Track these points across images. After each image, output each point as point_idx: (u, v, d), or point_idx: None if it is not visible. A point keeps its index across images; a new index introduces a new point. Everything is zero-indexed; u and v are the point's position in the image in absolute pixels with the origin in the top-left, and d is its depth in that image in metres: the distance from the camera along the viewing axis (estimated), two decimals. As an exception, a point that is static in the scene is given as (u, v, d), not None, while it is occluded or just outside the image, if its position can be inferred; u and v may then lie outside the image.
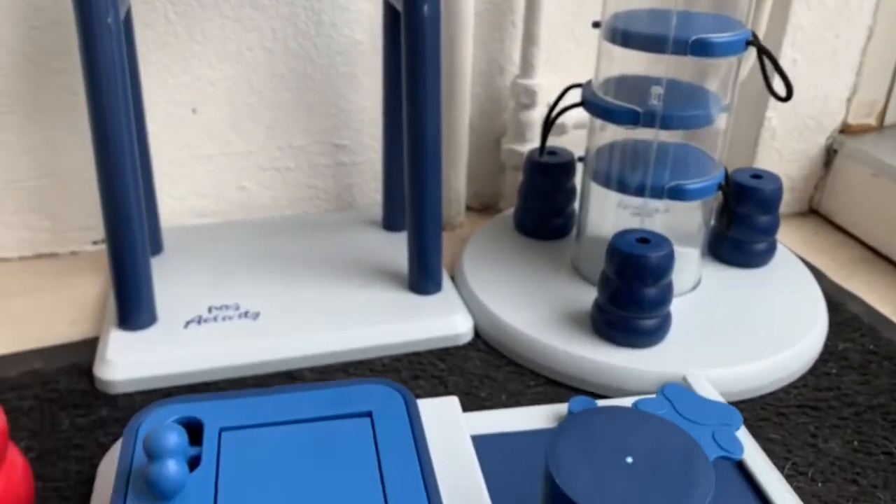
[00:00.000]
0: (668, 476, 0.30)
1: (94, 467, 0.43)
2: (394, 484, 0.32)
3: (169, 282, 0.56)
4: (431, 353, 0.53)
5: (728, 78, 0.52)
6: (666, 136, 0.53)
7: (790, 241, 0.69)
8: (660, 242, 0.49)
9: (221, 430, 0.34)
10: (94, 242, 0.65)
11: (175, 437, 0.31)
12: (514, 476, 0.40)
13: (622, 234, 0.50)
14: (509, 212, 0.66)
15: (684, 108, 0.51)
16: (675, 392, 0.43)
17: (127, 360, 0.49)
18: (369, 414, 0.36)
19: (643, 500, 0.28)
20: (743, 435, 0.43)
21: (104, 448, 0.44)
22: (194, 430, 0.35)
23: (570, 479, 0.29)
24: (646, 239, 0.49)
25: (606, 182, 0.54)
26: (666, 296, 0.49)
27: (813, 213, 0.74)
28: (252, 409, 0.36)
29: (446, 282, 0.57)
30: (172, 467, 0.30)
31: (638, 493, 0.29)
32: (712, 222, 0.60)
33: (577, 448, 0.31)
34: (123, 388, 0.48)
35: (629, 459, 0.30)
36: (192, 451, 0.33)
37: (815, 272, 0.62)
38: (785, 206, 0.73)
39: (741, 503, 0.39)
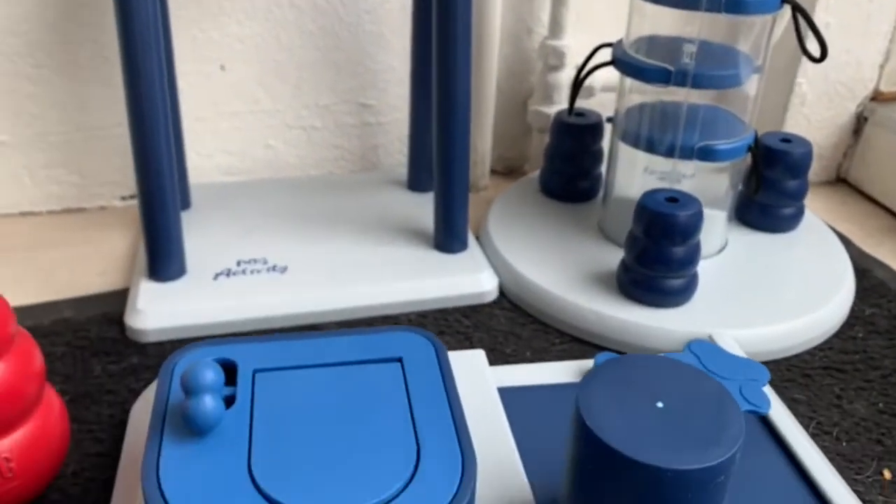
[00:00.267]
0: (699, 421, 0.30)
1: (126, 411, 0.43)
2: (425, 426, 0.32)
3: (197, 236, 0.56)
4: (457, 310, 0.53)
5: (761, 38, 0.52)
6: (696, 97, 0.53)
7: (817, 209, 0.68)
8: (688, 202, 0.49)
9: (255, 371, 0.35)
10: (122, 198, 0.65)
11: (212, 374, 0.31)
12: (540, 427, 0.40)
13: (651, 193, 0.49)
14: (535, 174, 0.66)
15: (716, 68, 0.50)
16: (702, 348, 0.43)
17: (157, 310, 0.49)
18: (399, 360, 0.36)
19: (675, 443, 0.29)
20: (769, 392, 0.43)
21: (136, 393, 0.45)
22: (228, 372, 0.35)
23: (600, 421, 0.29)
24: (674, 198, 0.49)
25: (635, 142, 0.54)
26: (693, 256, 0.49)
27: (841, 181, 0.74)
28: (284, 353, 0.36)
29: (471, 241, 0.58)
30: (209, 402, 0.31)
31: (669, 437, 0.29)
32: (739, 187, 0.60)
33: (608, 392, 0.31)
34: (154, 337, 0.49)
35: (660, 404, 0.30)
36: (227, 390, 0.34)
37: (843, 239, 0.61)
38: (812, 175, 0.72)
39: (766, 458, 0.39)
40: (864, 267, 0.59)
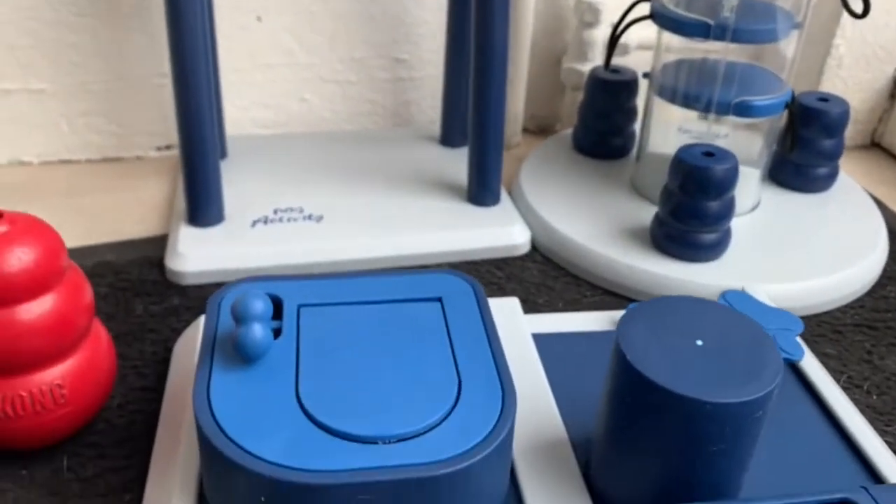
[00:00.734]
0: (738, 358, 0.30)
1: (169, 349, 0.45)
2: (465, 360, 0.33)
3: (234, 185, 0.57)
4: (489, 262, 0.54)
5: (802, -6, 0.51)
6: (734, 54, 0.52)
7: (851, 172, 0.68)
8: (725, 156, 0.49)
9: (300, 306, 0.36)
10: (158, 148, 0.66)
11: (261, 304, 0.32)
12: (574, 372, 0.41)
13: (687, 148, 0.50)
14: (567, 132, 0.66)
15: (756, 23, 0.50)
16: (736, 297, 0.43)
17: (197, 254, 0.50)
18: (440, 299, 0.37)
19: (714, 379, 0.29)
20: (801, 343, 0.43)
21: (177, 332, 0.46)
22: (274, 307, 0.36)
23: (641, 357, 0.30)
24: (711, 153, 0.49)
25: (672, 97, 0.54)
26: (728, 210, 0.49)
27: (875, 146, 0.73)
28: (328, 290, 0.37)
29: (504, 195, 0.58)
30: (259, 330, 0.32)
31: (709, 372, 0.29)
32: (774, 148, 0.59)
33: (648, 330, 0.31)
34: (193, 280, 0.50)
35: (699, 342, 0.31)
36: (273, 324, 0.35)
37: (877, 202, 0.61)
38: (847, 139, 0.72)
39: (797, 405, 0.39)
40: (897, 229, 0.59)
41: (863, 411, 0.42)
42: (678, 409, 0.29)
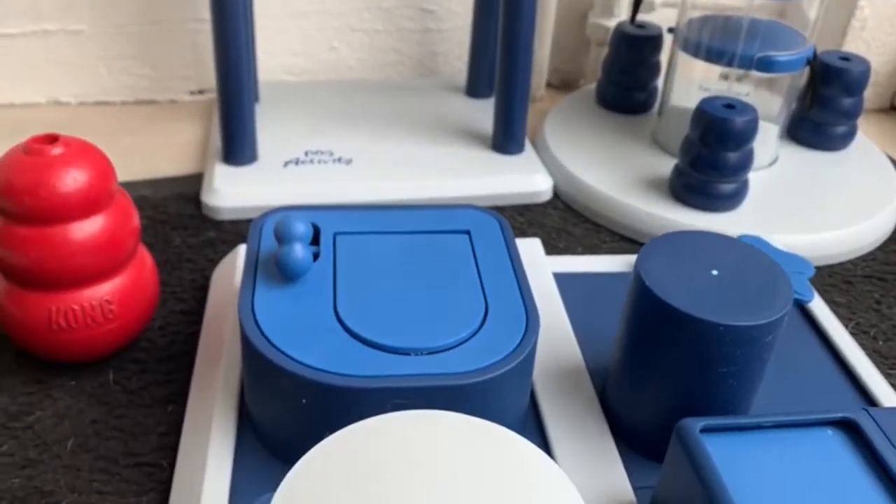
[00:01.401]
0: (751, 287, 0.32)
1: (206, 278, 0.47)
2: (491, 286, 0.35)
3: (266, 128, 0.59)
4: (512, 208, 0.56)
5: (829, -49, 0.52)
6: (759, 12, 0.53)
7: (870, 133, 0.69)
8: (745, 108, 0.50)
9: (336, 233, 0.38)
10: (191, 92, 0.68)
11: (302, 226, 0.34)
12: (592, 308, 0.43)
13: (709, 100, 0.51)
14: (591, 86, 0.67)
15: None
16: (752, 241, 0.45)
17: (232, 191, 0.52)
18: (468, 232, 0.39)
19: (728, 304, 0.31)
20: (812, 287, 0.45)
21: (214, 262, 0.48)
22: (312, 235, 0.38)
23: (660, 283, 0.32)
24: (732, 105, 0.50)
25: (696, 52, 0.55)
26: (746, 162, 0.51)
27: (894, 110, 0.74)
28: (362, 220, 0.39)
29: (527, 145, 0.59)
30: (300, 250, 0.34)
31: (723, 298, 0.31)
32: (793, 106, 0.61)
33: (666, 259, 0.33)
34: (228, 216, 0.52)
35: (714, 272, 0.33)
36: (311, 249, 0.37)
37: (893, 162, 0.62)
38: (867, 102, 0.73)
39: (805, 345, 0.41)
40: (911, 189, 0.60)
41: (869, 355, 0.44)
42: (692, 332, 0.31)
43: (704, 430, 0.29)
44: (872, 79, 0.71)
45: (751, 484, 0.28)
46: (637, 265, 0.33)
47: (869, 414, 0.31)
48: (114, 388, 0.39)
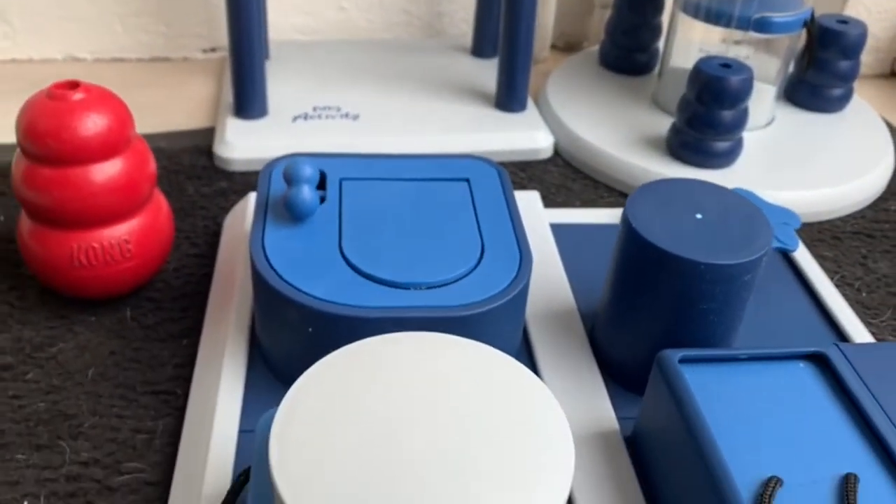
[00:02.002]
0: (733, 230, 0.34)
1: (218, 224, 0.49)
2: (488, 229, 0.37)
3: (276, 84, 0.61)
4: (514, 164, 0.57)
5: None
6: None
7: (868, 98, 0.70)
8: (740, 68, 0.52)
9: (342, 179, 0.40)
10: (204, 51, 0.70)
11: (309, 169, 0.36)
12: (586, 256, 0.44)
13: (706, 59, 0.52)
14: (594, 48, 0.69)
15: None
16: (742, 193, 0.47)
17: (243, 143, 0.54)
18: (467, 180, 0.41)
19: (710, 245, 0.33)
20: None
21: (226, 210, 0.50)
22: (319, 180, 0.40)
23: (646, 226, 0.34)
24: (728, 65, 0.52)
25: (695, 13, 0.56)
26: (741, 120, 0.52)
27: (894, 75, 0.75)
28: (367, 167, 0.41)
29: (530, 103, 0.61)
30: (308, 191, 0.36)
31: (705, 240, 0.33)
32: (790, 70, 0.62)
33: (653, 204, 0.35)
34: (239, 167, 0.54)
35: (699, 216, 0.35)
36: (319, 193, 0.39)
37: (889, 126, 0.63)
38: (866, 67, 0.74)
39: (788, 291, 0.43)
40: (905, 151, 0.61)
41: (852, 306, 0.46)
42: (675, 270, 0.33)
43: (683, 361, 0.31)
44: (873, 44, 0.72)
45: (725, 411, 0.30)
46: (626, 209, 0.35)
47: (839, 348, 0.33)
48: (131, 323, 0.42)
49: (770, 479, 0.27)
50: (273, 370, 0.36)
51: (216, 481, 0.31)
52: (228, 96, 0.58)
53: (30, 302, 0.42)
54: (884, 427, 0.29)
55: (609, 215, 0.49)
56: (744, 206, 0.35)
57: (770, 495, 0.27)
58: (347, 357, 0.26)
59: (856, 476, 0.28)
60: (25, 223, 0.41)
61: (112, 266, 0.40)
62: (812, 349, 0.32)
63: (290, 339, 0.34)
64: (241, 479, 0.27)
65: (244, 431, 0.33)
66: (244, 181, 0.53)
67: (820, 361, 0.32)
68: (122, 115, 0.40)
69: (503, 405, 0.24)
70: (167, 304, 0.43)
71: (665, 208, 0.35)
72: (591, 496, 0.32)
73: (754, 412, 0.30)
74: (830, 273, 0.48)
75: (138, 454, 0.35)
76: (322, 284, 0.33)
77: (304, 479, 0.22)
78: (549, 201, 0.54)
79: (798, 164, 0.55)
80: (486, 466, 0.22)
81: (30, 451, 0.35)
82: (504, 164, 0.57)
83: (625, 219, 0.35)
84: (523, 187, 0.55)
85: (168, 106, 0.62)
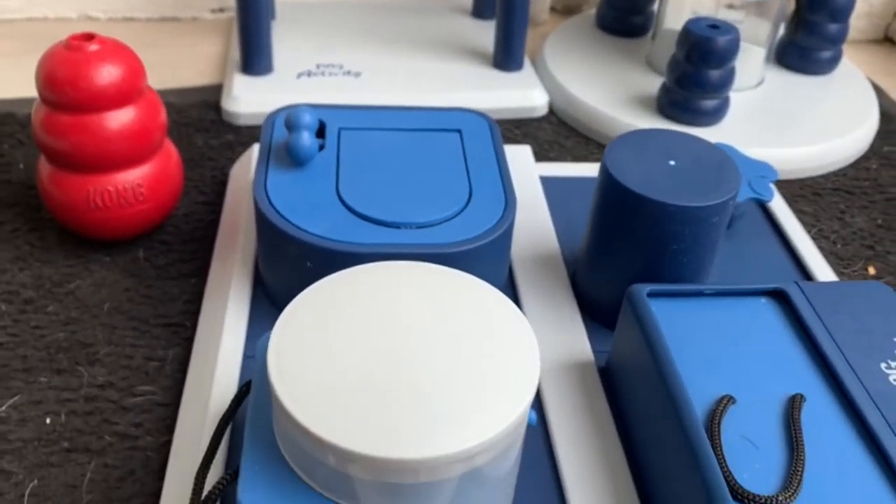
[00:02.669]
0: (703, 176, 0.36)
1: (225, 174, 0.52)
2: (477, 175, 0.40)
3: (282, 43, 0.63)
4: (509, 121, 0.60)
5: None
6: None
7: (860, 62, 0.71)
8: (728, 29, 0.53)
9: (340, 129, 0.42)
10: (213, 11, 0.72)
11: (309, 117, 0.39)
12: (572, 206, 0.47)
13: (695, 20, 0.54)
14: (592, 11, 0.70)
15: None
16: (723, 147, 0.49)
17: (250, 98, 0.57)
18: (459, 131, 0.43)
19: (680, 189, 0.35)
20: (776, 194, 0.49)
21: (232, 161, 0.53)
22: (318, 129, 0.42)
23: (621, 170, 0.36)
24: (715, 26, 0.54)
25: (687, -25, 0.58)
26: (728, 80, 0.54)
27: (888, 41, 0.77)
28: (364, 118, 0.43)
29: (527, 63, 0.63)
30: (307, 137, 0.38)
31: (676, 184, 0.36)
32: (781, 33, 0.63)
33: (630, 151, 0.37)
34: (245, 121, 0.56)
35: (672, 162, 0.37)
36: (318, 141, 0.41)
37: (877, 89, 0.65)
38: (859, 33, 0.75)
39: (761, 238, 0.46)
40: (892, 114, 0.63)
41: (826, 257, 0.48)
42: (647, 213, 0.35)
43: (651, 295, 0.34)
44: (866, 9, 0.73)
45: (688, 340, 0.33)
46: (604, 156, 0.37)
47: (798, 286, 0.35)
48: (143, 263, 0.45)
49: (723, 397, 0.30)
50: (274, 303, 0.39)
51: (222, 399, 0.34)
52: (236, 54, 0.60)
53: (49, 242, 0.45)
54: (833, 356, 0.32)
55: (596, 169, 0.51)
56: (716, 154, 0.38)
57: (721, 411, 0.29)
58: (340, 280, 0.29)
59: (802, 396, 0.30)
60: (45, 168, 0.43)
61: (126, 208, 0.43)
62: (773, 286, 0.35)
63: (291, 274, 0.37)
64: (244, 390, 0.30)
65: (248, 357, 0.36)
66: (250, 134, 0.56)
67: (780, 297, 0.35)
68: (134, 65, 0.42)
69: (479, 322, 0.27)
70: (177, 246, 0.46)
71: (641, 155, 0.37)
72: (566, 422, 0.35)
73: (715, 342, 0.33)
74: (808, 226, 0.51)
75: (150, 379, 0.38)
76: (320, 223, 0.36)
77: (297, 381, 0.25)
78: (542, 157, 0.56)
79: (784, 124, 0.57)
80: (461, 371, 0.25)
81: (51, 375, 0.38)
82: (500, 122, 0.59)
83: (603, 165, 0.37)
84: (517, 143, 0.57)
85: (178, 64, 0.65)
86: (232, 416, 0.30)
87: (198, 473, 0.28)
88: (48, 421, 0.36)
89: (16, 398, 0.37)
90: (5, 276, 0.43)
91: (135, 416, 0.36)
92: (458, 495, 0.25)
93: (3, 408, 0.36)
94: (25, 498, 0.33)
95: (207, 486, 0.28)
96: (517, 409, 0.25)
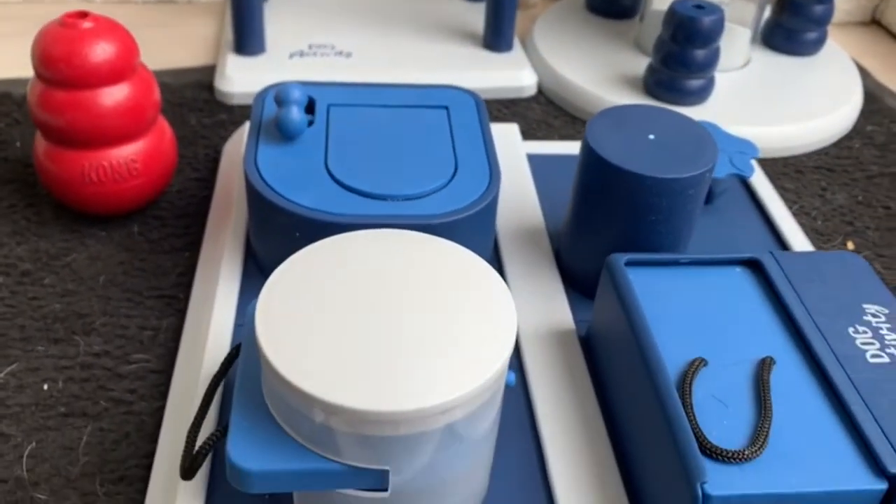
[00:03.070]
0: (681, 149, 0.37)
1: (218, 152, 0.53)
2: (463, 150, 0.41)
3: (274, 23, 0.64)
4: (498, 101, 0.61)
5: None
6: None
7: (846, 43, 0.72)
8: (713, 9, 0.54)
9: (329, 105, 0.43)
10: (207, -7, 0.73)
11: (298, 92, 0.40)
12: (558, 183, 0.48)
13: (681, 1, 0.55)
14: (581, -7, 0.71)
15: None
16: (706, 125, 0.50)
17: (242, 78, 0.58)
18: (446, 108, 0.44)
19: (657, 162, 0.36)
20: (759, 171, 0.50)
21: (225, 139, 0.53)
22: (308, 106, 0.43)
23: (601, 144, 0.37)
24: (701, 6, 0.55)
25: (674, -44, 0.58)
26: (712, 59, 0.55)
27: (875, 23, 0.77)
28: (353, 95, 0.44)
29: (516, 44, 0.64)
30: (296, 112, 0.39)
31: (654, 157, 0.37)
32: (767, 15, 0.64)
33: (611, 126, 0.38)
34: (238, 101, 0.57)
35: (651, 136, 0.38)
36: (308, 117, 0.42)
37: (862, 70, 0.66)
38: (847, 15, 0.76)
39: (743, 213, 0.47)
40: (876, 94, 0.64)
41: (807, 233, 0.49)
42: (626, 184, 0.36)
43: (629, 263, 0.35)
44: (854, -9, 0.74)
45: (664, 306, 0.34)
46: (586, 130, 0.38)
47: (773, 256, 0.36)
48: (138, 238, 0.46)
49: (695, 359, 0.31)
50: (265, 275, 0.40)
51: (213, 366, 0.35)
52: (229, 34, 0.61)
53: (45, 217, 0.46)
54: (803, 321, 0.33)
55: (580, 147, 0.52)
56: (695, 129, 0.39)
57: (693, 372, 0.30)
58: (327, 246, 0.30)
59: (772, 359, 0.31)
60: (41, 144, 0.44)
61: (120, 183, 0.44)
62: (748, 255, 0.36)
63: (281, 246, 0.38)
64: (233, 352, 0.31)
65: (238, 325, 0.37)
66: (242, 113, 0.57)
67: (755, 267, 0.36)
68: (128, 43, 0.43)
69: (459, 285, 0.28)
70: (171, 221, 0.47)
71: (621, 129, 0.38)
72: (547, 388, 0.36)
73: (691, 309, 0.34)
74: (790, 203, 0.52)
75: (145, 347, 0.39)
76: (309, 195, 0.37)
77: (283, 339, 0.26)
78: (531, 136, 0.57)
79: (768, 103, 0.58)
80: (440, 330, 0.26)
81: (48, 344, 0.39)
82: (490, 102, 0.60)
83: (584, 139, 0.38)
84: (506, 123, 0.58)
85: (172, 45, 0.65)
86: (223, 376, 0.31)
87: (190, 429, 0.29)
88: (45, 387, 0.37)
89: (13, 366, 0.38)
90: (3, 250, 0.44)
91: (129, 383, 0.37)
92: (438, 452, 0.26)
93: (2, 375, 0.37)
94: (24, 459, 0.34)
95: (199, 442, 0.30)
96: (494, 366, 0.26)
